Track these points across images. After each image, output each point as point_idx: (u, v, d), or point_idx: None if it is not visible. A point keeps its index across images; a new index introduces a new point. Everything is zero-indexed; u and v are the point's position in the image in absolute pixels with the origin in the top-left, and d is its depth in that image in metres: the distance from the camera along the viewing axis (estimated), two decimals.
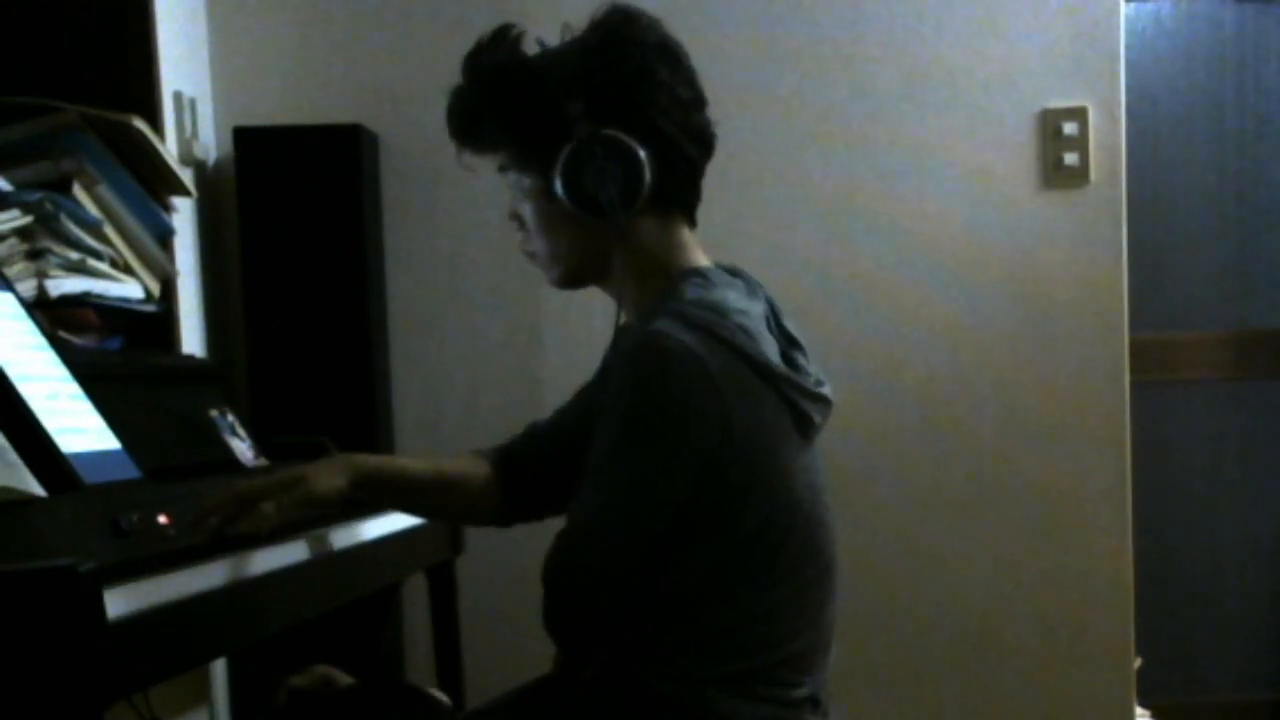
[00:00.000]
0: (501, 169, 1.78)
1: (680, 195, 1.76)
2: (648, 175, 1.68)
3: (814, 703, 1.72)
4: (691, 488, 1.61)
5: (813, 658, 1.72)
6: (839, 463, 3.08)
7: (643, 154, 1.68)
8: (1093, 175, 3.06)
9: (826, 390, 1.74)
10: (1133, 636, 3.11)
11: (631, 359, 1.63)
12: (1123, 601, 3.10)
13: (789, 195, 3.12)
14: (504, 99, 1.73)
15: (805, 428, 1.69)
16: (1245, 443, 4.06)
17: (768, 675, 1.67)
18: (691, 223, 1.79)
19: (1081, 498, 3.09)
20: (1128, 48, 3.12)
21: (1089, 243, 3.07)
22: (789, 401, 1.66)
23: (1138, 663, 3.14)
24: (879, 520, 3.12)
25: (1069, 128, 3.06)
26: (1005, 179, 3.09)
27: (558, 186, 1.70)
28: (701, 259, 1.77)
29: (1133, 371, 3.10)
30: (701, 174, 1.78)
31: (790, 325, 1.78)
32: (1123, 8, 3.07)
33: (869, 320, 3.11)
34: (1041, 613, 3.11)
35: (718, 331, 1.63)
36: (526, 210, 1.77)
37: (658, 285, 1.73)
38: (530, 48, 1.77)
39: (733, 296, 1.69)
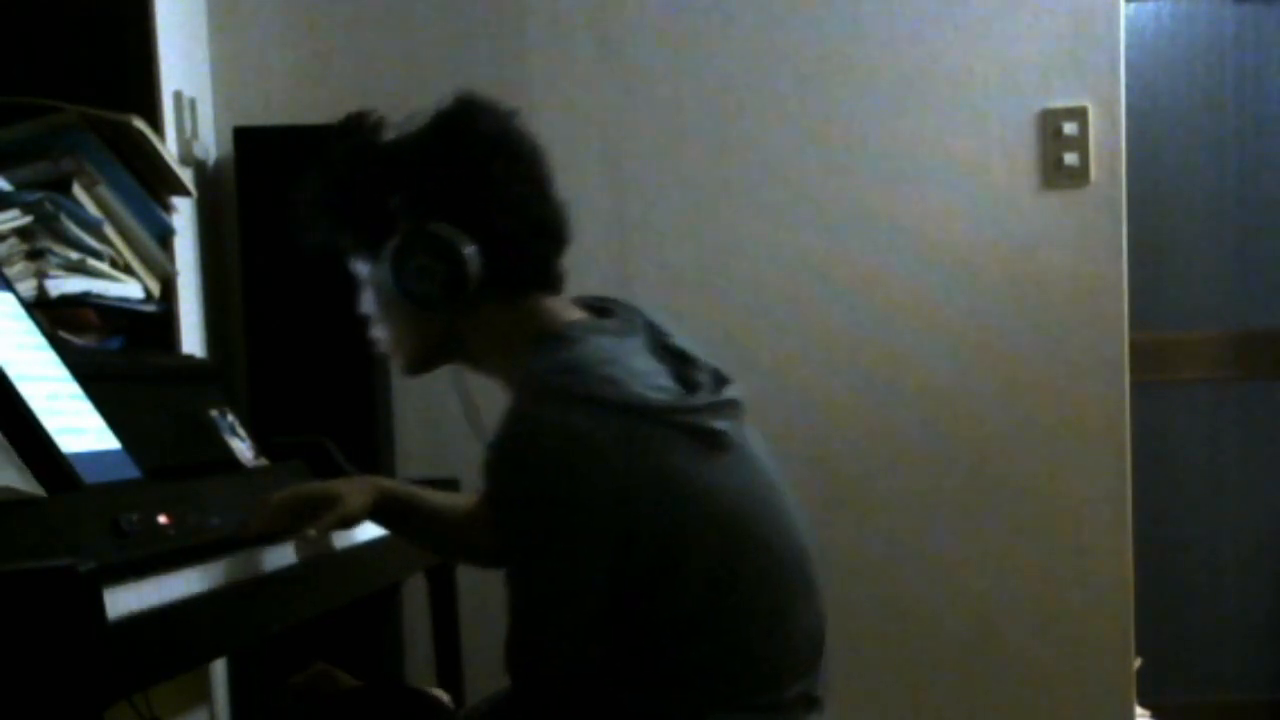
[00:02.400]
0: (346, 257, 1.80)
1: (529, 278, 1.73)
2: (474, 270, 1.67)
3: (808, 701, 1.71)
4: (613, 553, 1.59)
5: (798, 656, 1.70)
6: (839, 462, 3.11)
7: (469, 249, 1.67)
8: (1093, 175, 3.06)
9: (731, 392, 1.70)
10: (1133, 636, 3.11)
11: (498, 464, 1.62)
12: (1123, 601, 3.10)
13: (789, 195, 3.12)
14: (335, 190, 1.76)
15: (711, 439, 1.65)
16: (1245, 443, 4.07)
17: (761, 683, 1.66)
18: (553, 292, 1.75)
19: (1081, 498, 3.09)
20: (1128, 48, 3.11)
21: (1089, 243, 3.07)
22: (679, 427, 1.62)
23: (1138, 663, 3.14)
24: (878, 519, 3.12)
25: (1069, 128, 3.06)
26: (1005, 179, 3.09)
27: (387, 278, 1.71)
28: (565, 314, 1.73)
29: (1133, 371, 3.10)
30: (553, 259, 1.75)
31: (681, 341, 1.75)
32: (1123, 8, 3.07)
33: (869, 320, 3.11)
34: (1041, 613, 3.11)
35: (578, 391, 1.60)
36: (367, 298, 1.80)
37: (518, 358, 1.70)
38: (390, 132, 1.77)
39: (591, 348, 1.65)
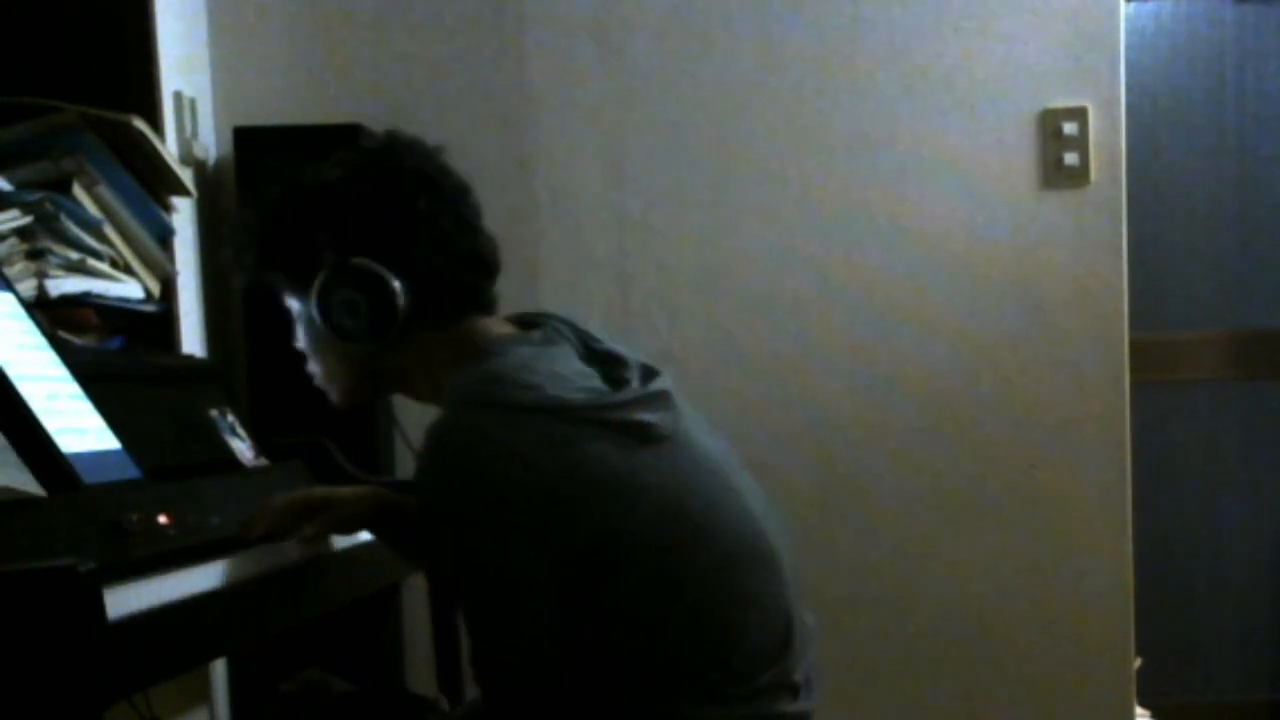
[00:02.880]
0: (279, 294, 1.81)
1: (458, 310, 1.74)
2: (401, 303, 1.68)
3: (785, 687, 1.69)
4: (550, 555, 1.58)
5: (765, 642, 1.67)
6: (839, 462, 3.11)
7: (396, 284, 1.68)
8: (1093, 175, 3.06)
9: (659, 384, 1.70)
10: (1133, 636, 3.11)
11: (422, 479, 1.62)
12: (1123, 601, 3.10)
13: (789, 195, 3.12)
14: (261, 227, 1.77)
15: (643, 432, 1.64)
16: (1245, 443, 4.07)
17: (729, 674, 1.64)
18: (486, 314, 1.76)
19: (1081, 498, 3.09)
20: (1128, 48, 3.12)
21: (1089, 243, 3.07)
22: (603, 424, 1.61)
23: (1138, 663, 3.14)
24: (878, 519, 3.12)
25: (1069, 128, 3.06)
26: (1005, 179, 3.09)
27: (314, 313, 1.72)
28: (492, 333, 1.74)
29: (1133, 371, 3.10)
30: (483, 290, 1.76)
31: (611, 344, 1.75)
32: (1123, 8, 3.07)
33: (869, 320, 3.11)
34: (1041, 613, 3.11)
35: (496, 398, 1.60)
36: (298, 334, 1.81)
37: (450, 378, 1.70)
38: (323, 169, 1.78)
39: (511, 358, 1.66)
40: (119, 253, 2.35)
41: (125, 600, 1.43)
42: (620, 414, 1.64)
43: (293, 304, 1.80)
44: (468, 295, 1.74)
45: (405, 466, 3.09)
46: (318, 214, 1.73)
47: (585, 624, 1.62)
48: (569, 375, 1.66)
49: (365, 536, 2.09)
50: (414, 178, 1.73)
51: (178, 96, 2.88)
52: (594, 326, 1.78)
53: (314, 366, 1.83)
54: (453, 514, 1.60)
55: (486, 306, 1.77)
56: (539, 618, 1.60)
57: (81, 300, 2.18)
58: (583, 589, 1.60)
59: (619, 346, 1.76)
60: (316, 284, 1.71)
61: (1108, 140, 3.06)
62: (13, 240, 2.10)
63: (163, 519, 1.73)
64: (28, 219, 2.12)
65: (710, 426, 1.76)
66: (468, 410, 1.61)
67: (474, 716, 1.87)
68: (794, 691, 1.70)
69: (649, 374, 1.73)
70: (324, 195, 1.73)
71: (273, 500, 1.87)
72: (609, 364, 1.72)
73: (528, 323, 1.78)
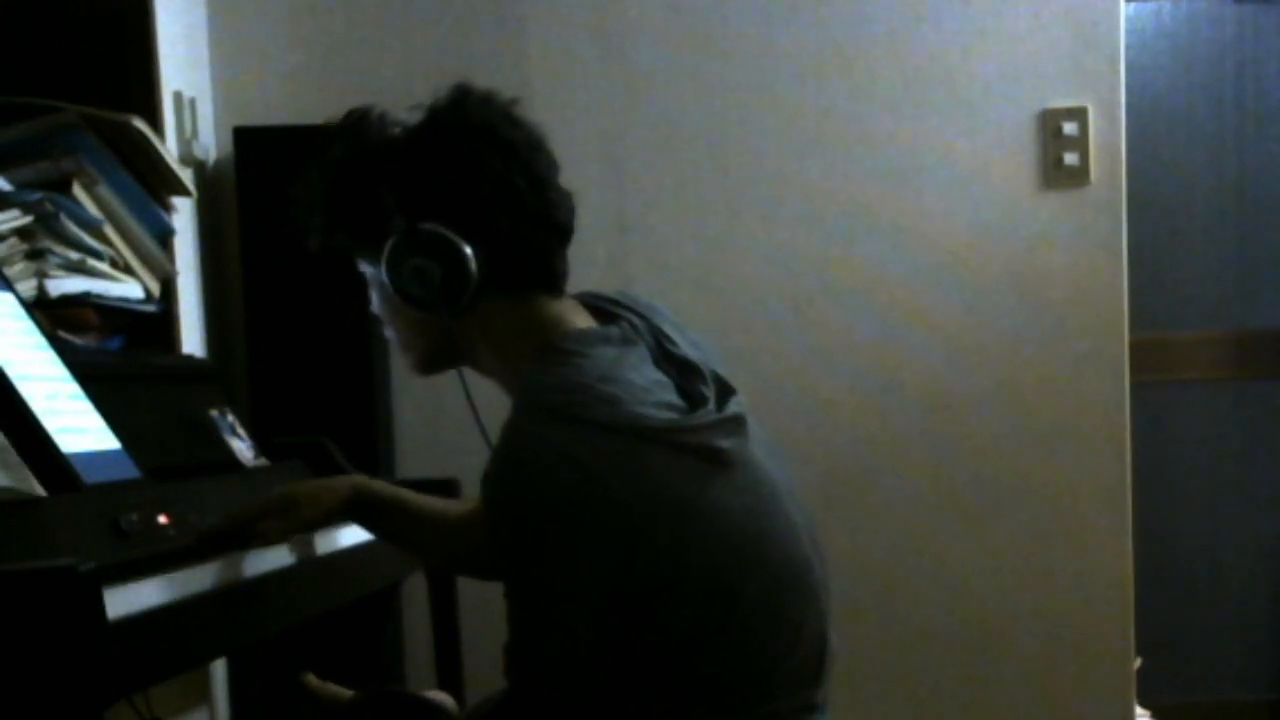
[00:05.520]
0: (353, 258, 1.77)
1: (531, 276, 1.68)
2: (473, 269, 1.63)
3: (809, 709, 1.70)
4: (610, 573, 1.56)
5: (800, 667, 1.68)
6: (839, 462, 3.11)
7: (467, 248, 1.63)
8: (1093, 175, 3.06)
9: (735, 407, 1.66)
10: (1133, 636, 3.11)
11: (495, 479, 1.58)
12: (1123, 601, 3.10)
13: (789, 195, 3.12)
14: (330, 189, 1.72)
15: (713, 457, 1.61)
16: (1245, 443, 4.06)
17: (756, 693, 1.64)
18: (556, 294, 1.71)
19: (1081, 498, 3.09)
20: (1128, 48, 3.12)
21: (1089, 243, 3.07)
22: (681, 447, 1.58)
23: (1138, 663, 3.14)
24: (878, 520, 3.12)
25: (1069, 128, 3.06)
26: (1005, 179, 3.09)
27: (384, 280, 1.68)
28: (568, 321, 1.69)
29: (1133, 371, 3.10)
30: (556, 254, 1.69)
31: (685, 348, 1.71)
32: (1123, 8, 3.07)
33: (869, 320, 3.11)
34: (1041, 613, 3.11)
35: (577, 412, 1.56)
36: (373, 299, 1.77)
37: (519, 366, 1.67)
38: (390, 127, 1.73)
39: (591, 364, 1.62)
40: (119, 253, 2.35)
41: (125, 600, 1.43)
42: (698, 438, 1.60)
43: (364, 268, 1.75)
44: (539, 261, 1.68)
45: (406, 467, 3.09)
46: (383, 175, 1.66)
47: (627, 638, 1.60)
48: (648, 386, 1.62)
49: (365, 536, 2.09)
50: (484, 134, 1.66)
51: (178, 96, 2.88)
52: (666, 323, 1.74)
53: (389, 333, 1.78)
54: (516, 516, 1.56)
55: (557, 279, 1.70)
56: (584, 628, 1.58)
57: (81, 300, 2.18)
58: (631, 604, 1.58)
59: (693, 351, 1.72)
60: (385, 250, 1.65)
61: (1108, 140, 3.06)
62: (13, 240, 2.10)
63: (162, 519, 1.73)
64: (28, 219, 2.12)
65: (773, 447, 1.73)
66: (545, 420, 1.56)
67: (483, 718, 1.87)
68: (816, 711, 1.71)
69: (724, 390, 1.69)
70: (389, 155, 1.67)
71: (236, 509, 1.83)
72: (684, 373, 1.68)
73: (601, 310, 1.73)
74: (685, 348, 1.71)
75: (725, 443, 1.62)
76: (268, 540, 1.82)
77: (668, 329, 1.72)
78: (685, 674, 1.62)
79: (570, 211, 1.71)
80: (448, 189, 1.64)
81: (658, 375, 1.66)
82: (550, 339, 1.66)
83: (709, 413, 1.64)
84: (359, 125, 1.73)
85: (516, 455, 1.57)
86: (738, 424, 1.66)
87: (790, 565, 1.67)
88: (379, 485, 1.94)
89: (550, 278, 1.69)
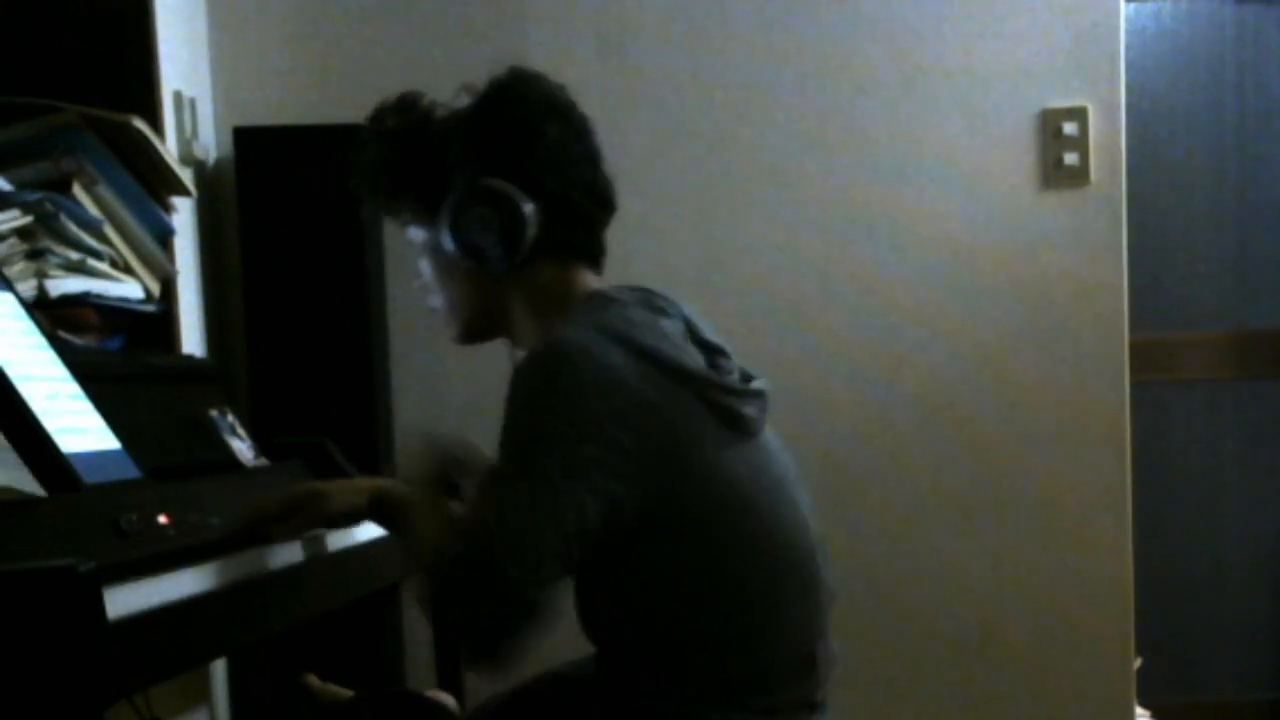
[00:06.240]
0: (404, 225, 1.84)
1: (576, 243, 1.78)
2: (531, 224, 1.72)
3: (807, 706, 1.71)
4: (624, 479, 1.57)
5: (793, 660, 1.70)
6: (840, 462, 3.11)
7: (527, 205, 1.71)
8: (1093, 175, 3.06)
9: (760, 384, 1.74)
10: (1133, 636, 3.11)
11: (527, 364, 1.62)
12: (1123, 601, 3.10)
13: (789, 195, 3.12)
14: (397, 153, 1.79)
15: (735, 422, 1.67)
16: (1245, 443, 4.06)
17: (758, 687, 1.66)
18: (596, 270, 1.81)
19: (1081, 498, 3.10)
20: (1128, 48, 3.12)
21: (1089, 243, 3.07)
22: (707, 400, 1.64)
23: (1138, 663, 3.14)
24: (879, 520, 3.12)
25: (1069, 128, 3.06)
26: (1005, 179, 3.09)
27: (444, 236, 1.74)
28: (610, 290, 1.77)
29: (1133, 372, 3.10)
30: (601, 226, 1.81)
31: (712, 336, 1.77)
32: (1123, 8, 3.07)
33: (869, 320, 3.11)
34: (1041, 613, 3.11)
35: (619, 332, 1.63)
36: (424, 264, 1.83)
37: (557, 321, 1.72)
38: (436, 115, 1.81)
39: (636, 312, 1.69)
40: (119, 253, 2.35)
41: (125, 600, 1.43)
42: (724, 397, 1.66)
43: (417, 233, 1.81)
44: (588, 229, 1.78)
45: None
46: (450, 137, 1.75)
47: (632, 575, 1.63)
48: (683, 347, 1.69)
49: (366, 536, 2.10)
50: (544, 104, 1.77)
51: (178, 96, 2.88)
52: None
53: (437, 298, 1.84)
54: (532, 396, 1.60)
55: (600, 252, 1.80)
56: (571, 511, 1.56)
57: (81, 300, 2.18)
58: (631, 540, 1.60)
59: (720, 340, 1.78)
60: (449, 203, 1.73)
61: (1108, 140, 3.06)
62: (13, 240, 2.10)
63: (162, 519, 1.73)
64: (28, 219, 2.12)
65: (782, 442, 1.79)
66: (590, 330, 1.63)
67: (485, 717, 1.87)
68: (815, 710, 1.72)
69: (746, 375, 1.76)
70: (455, 120, 1.76)
71: (261, 498, 1.86)
72: (713, 353, 1.74)
73: (640, 292, 1.79)
74: (710, 335, 1.78)
75: (749, 410, 1.69)
76: (288, 535, 1.84)
77: (694, 318, 1.78)
78: (678, 645, 1.64)
79: (614, 191, 1.81)
80: (510, 149, 1.74)
81: (692, 349, 1.71)
82: (594, 294, 1.74)
83: (737, 380, 1.71)
84: (413, 101, 1.82)
85: (552, 347, 1.62)
86: (761, 399, 1.73)
87: (786, 552, 1.69)
88: (396, 485, 1.96)
89: (595, 248, 1.80)
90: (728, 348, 1.78)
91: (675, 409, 1.61)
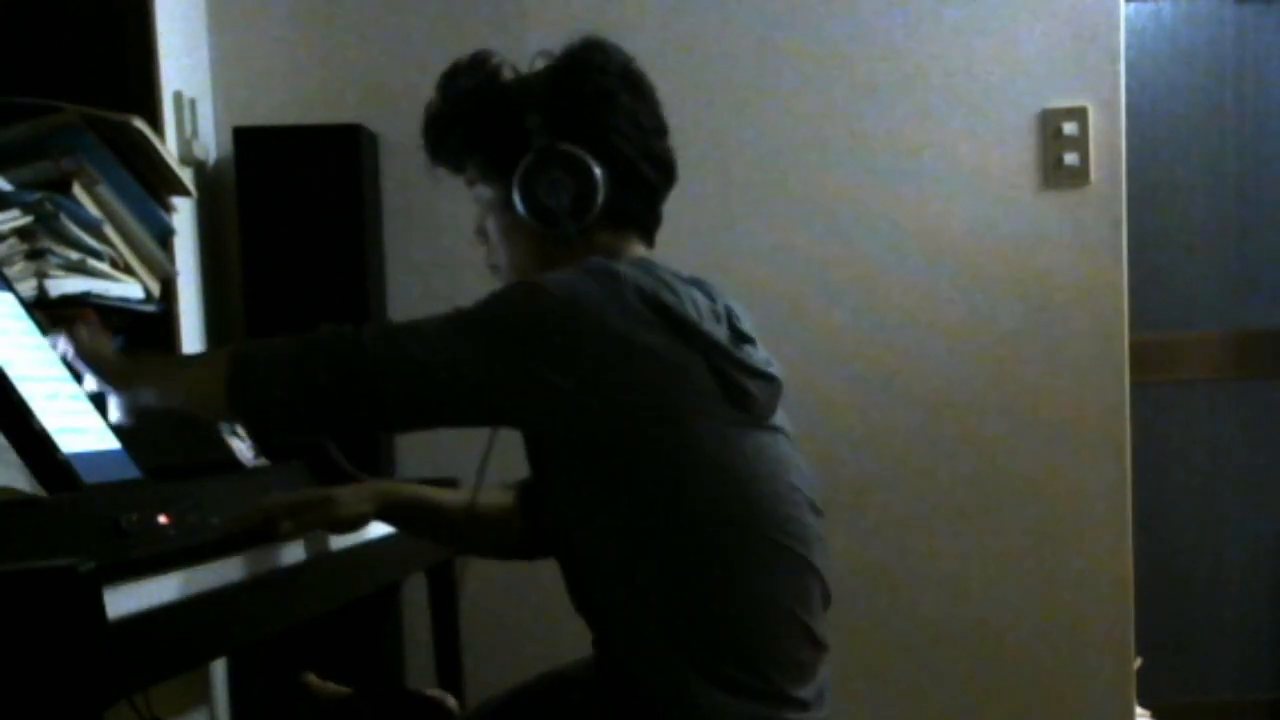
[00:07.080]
0: (469, 183, 1.85)
1: (637, 213, 1.81)
2: (601, 189, 1.75)
3: (801, 704, 1.71)
4: (548, 414, 1.63)
5: (799, 656, 1.70)
6: (840, 463, 3.11)
7: (597, 170, 1.74)
8: (1093, 175, 3.06)
9: (774, 370, 1.75)
10: (1133, 636, 3.11)
11: (512, 285, 1.70)
12: (1123, 601, 3.10)
13: (789, 195, 3.12)
14: (471, 113, 1.82)
15: (741, 400, 1.68)
16: (1245, 443, 4.07)
17: (750, 670, 1.66)
18: (649, 243, 1.84)
19: (1081, 498, 3.09)
20: (1128, 48, 3.12)
21: (1089, 243, 3.07)
22: (714, 368, 1.66)
23: (1138, 663, 3.14)
24: (879, 520, 3.12)
25: (1069, 128, 3.06)
26: (1005, 179, 3.09)
27: (515, 196, 1.76)
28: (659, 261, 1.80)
29: (1133, 371, 3.10)
30: (661, 198, 1.84)
31: (747, 328, 1.79)
32: (1123, 8, 3.07)
33: (869, 320, 3.11)
34: (1041, 613, 3.11)
35: (641, 284, 1.65)
36: (489, 223, 1.84)
37: None
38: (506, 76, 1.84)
39: (669, 275, 1.72)
40: (119, 253, 2.35)
41: (125, 600, 1.43)
42: (732, 370, 1.67)
43: (483, 191, 1.83)
44: (650, 199, 1.81)
45: (406, 467, 3.09)
46: (530, 101, 1.77)
47: (634, 546, 1.65)
48: (708, 319, 1.70)
49: (365, 536, 2.10)
50: (621, 74, 1.81)
51: (178, 96, 2.88)
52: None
53: (500, 257, 1.85)
54: (493, 304, 1.68)
55: (656, 224, 1.84)
56: (444, 371, 1.64)
57: (81, 300, 2.18)
58: (612, 491, 1.63)
59: (752, 330, 1.80)
60: (523, 165, 1.75)
61: (1108, 140, 3.06)
62: (13, 240, 2.10)
63: (162, 519, 1.73)
64: (28, 219, 2.12)
65: (794, 440, 1.80)
66: (601, 270, 1.68)
67: (485, 717, 1.87)
68: (804, 706, 1.71)
69: (768, 361, 1.77)
70: (536, 83, 1.79)
71: (266, 499, 1.86)
72: (741, 339, 1.76)
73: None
74: (746, 326, 1.79)
75: (756, 389, 1.69)
76: (290, 536, 1.84)
77: (736, 309, 1.80)
78: (679, 608, 1.65)
79: (676, 165, 1.85)
80: (587, 116, 1.77)
81: (719, 325, 1.72)
82: (640, 262, 1.75)
83: (758, 363, 1.72)
84: (484, 60, 1.84)
85: (545, 277, 1.67)
86: (774, 385, 1.74)
87: (785, 536, 1.70)
88: (402, 486, 2.00)
89: (653, 218, 1.84)
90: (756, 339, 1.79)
91: (677, 365, 1.63)
